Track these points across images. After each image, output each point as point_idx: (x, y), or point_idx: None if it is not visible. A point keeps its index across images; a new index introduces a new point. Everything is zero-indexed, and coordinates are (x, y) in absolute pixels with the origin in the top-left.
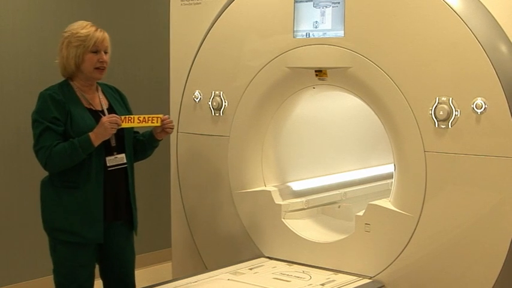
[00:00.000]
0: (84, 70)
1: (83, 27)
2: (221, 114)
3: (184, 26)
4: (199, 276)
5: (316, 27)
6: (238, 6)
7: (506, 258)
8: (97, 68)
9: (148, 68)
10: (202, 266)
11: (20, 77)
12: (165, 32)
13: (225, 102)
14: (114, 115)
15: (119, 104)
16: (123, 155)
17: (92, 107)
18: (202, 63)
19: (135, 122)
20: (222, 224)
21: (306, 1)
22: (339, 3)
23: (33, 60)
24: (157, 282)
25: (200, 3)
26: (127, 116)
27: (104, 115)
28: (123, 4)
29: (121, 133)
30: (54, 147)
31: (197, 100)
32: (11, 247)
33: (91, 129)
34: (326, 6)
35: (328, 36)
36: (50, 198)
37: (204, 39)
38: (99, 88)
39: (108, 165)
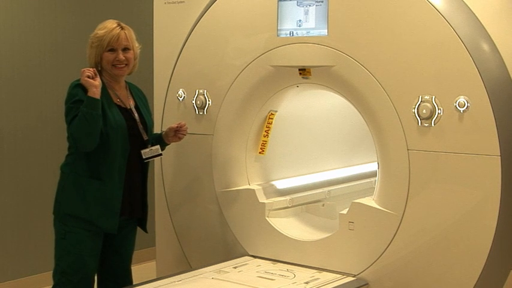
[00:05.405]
0: (104, 68)
1: (103, 28)
2: (205, 112)
3: (168, 25)
4: (183, 275)
5: (299, 26)
6: (222, 5)
7: (488, 255)
8: (114, 66)
9: None
10: (187, 264)
11: (1, 76)
12: (149, 31)
13: (208, 100)
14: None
15: (143, 104)
16: (158, 146)
17: (122, 104)
18: (186, 62)
19: None
20: (206, 223)
21: (290, 0)
22: (322, 1)
23: (15, 59)
24: (141, 281)
25: (184, 2)
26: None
27: (132, 113)
28: (107, 3)
29: (146, 128)
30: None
31: (181, 99)
32: None
33: (119, 124)
34: (309, 5)
35: (311, 34)
36: (70, 185)
37: (187, 38)
38: (127, 86)
39: (144, 157)
